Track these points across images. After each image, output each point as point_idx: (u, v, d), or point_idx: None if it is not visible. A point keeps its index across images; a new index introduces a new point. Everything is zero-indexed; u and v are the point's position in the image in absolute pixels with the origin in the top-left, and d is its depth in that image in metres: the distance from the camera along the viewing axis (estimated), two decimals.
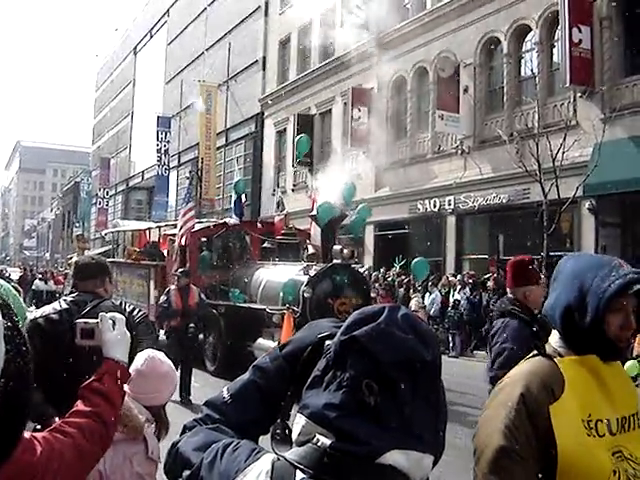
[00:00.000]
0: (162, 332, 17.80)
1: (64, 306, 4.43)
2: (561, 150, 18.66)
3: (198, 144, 43.95)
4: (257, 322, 14.41)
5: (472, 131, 24.74)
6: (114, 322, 2.73)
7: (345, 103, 31.64)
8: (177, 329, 12.87)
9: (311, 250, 15.72)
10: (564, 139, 18.82)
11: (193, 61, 50.22)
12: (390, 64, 29.23)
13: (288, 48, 38.34)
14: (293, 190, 35.50)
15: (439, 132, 25.91)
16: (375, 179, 28.90)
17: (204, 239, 18.30)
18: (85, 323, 2.84)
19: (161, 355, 3.83)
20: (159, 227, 22.95)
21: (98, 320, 2.75)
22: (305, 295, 12.62)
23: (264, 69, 40.42)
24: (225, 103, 43.81)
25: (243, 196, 19.61)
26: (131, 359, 3.70)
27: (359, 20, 30.05)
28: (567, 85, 20.90)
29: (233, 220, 18.46)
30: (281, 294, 13.63)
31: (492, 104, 24.88)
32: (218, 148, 43.81)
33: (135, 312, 4.73)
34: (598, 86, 20.61)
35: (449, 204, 24.82)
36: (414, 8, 28.62)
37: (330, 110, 33.77)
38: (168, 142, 49.78)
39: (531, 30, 23.22)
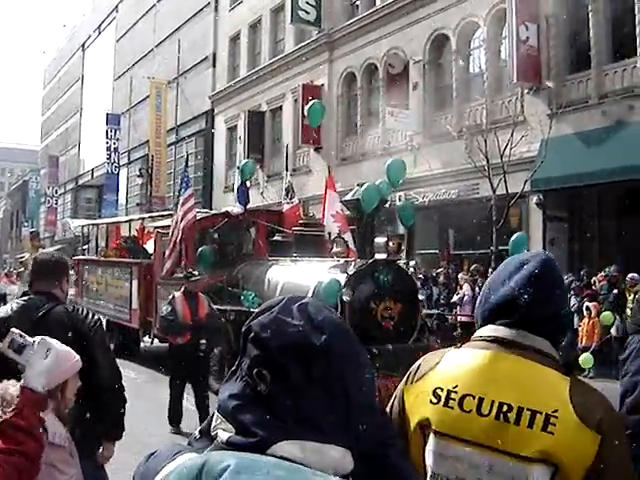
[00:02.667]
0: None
1: (14, 308, 4.20)
2: (509, 146, 18.88)
3: (148, 141, 43.62)
4: None
5: (422, 127, 24.90)
6: (49, 350, 2.65)
7: (296, 100, 31.59)
8: (185, 346, 10.49)
9: (337, 248, 12.95)
10: (512, 135, 19.06)
11: (142, 57, 49.72)
12: (340, 61, 29.36)
13: (238, 44, 38.19)
14: None
15: (389, 128, 26.01)
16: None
17: (201, 232, 15.48)
18: (20, 336, 2.73)
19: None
20: (142, 219, 20.60)
21: (35, 340, 2.67)
22: (345, 298, 10.25)
23: (214, 66, 40.20)
24: (175, 100, 43.47)
25: (247, 182, 16.22)
26: (89, 374, 3.61)
27: (309, 17, 30.08)
28: (514, 82, 21.15)
29: (237, 209, 15.58)
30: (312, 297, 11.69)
31: (441, 100, 25.07)
32: (168, 145, 43.52)
33: (89, 319, 4.34)
34: (545, 83, 20.94)
35: (399, 200, 24.94)
36: (363, 5, 28.73)
37: (281, 107, 33.72)
38: (118, 140, 49.34)
39: (479, 27, 23.45)
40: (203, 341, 10.52)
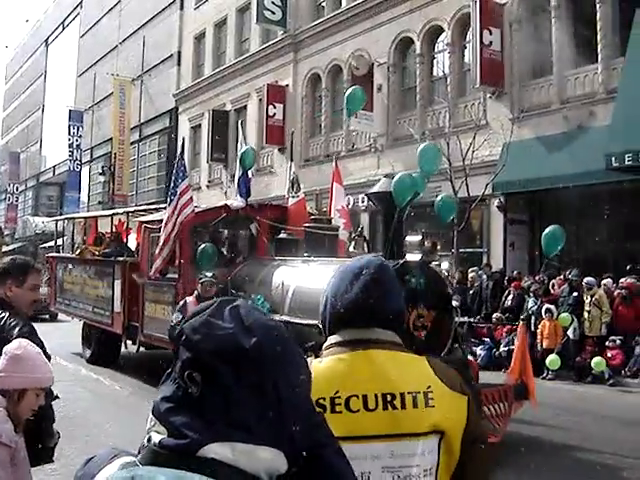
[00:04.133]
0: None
1: None
2: (471, 149, 19.03)
3: (111, 139, 43.29)
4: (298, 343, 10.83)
5: (385, 129, 25.02)
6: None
7: (260, 99, 31.60)
8: None
9: (357, 248, 11.99)
10: (474, 138, 19.21)
11: (107, 54, 49.37)
12: (305, 62, 29.39)
13: (203, 43, 38.07)
14: (208, 187, 35.35)
15: (353, 130, 26.10)
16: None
17: (198, 228, 13.88)
18: None
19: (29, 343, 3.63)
20: (127, 213, 18.14)
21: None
22: None
23: (179, 64, 40.04)
24: (139, 97, 43.23)
25: (250, 172, 15.04)
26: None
27: (274, 17, 30.07)
28: (477, 86, 21.35)
29: (237, 202, 13.98)
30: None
31: (405, 103, 25.21)
32: (132, 143, 43.23)
33: (16, 331, 4.00)
34: (507, 87, 21.14)
35: (362, 202, 25.04)
36: (329, 6, 28.81)
37: (245, 106, 33.67)
38: (80, 137, 48.92)
39: (443, 31, 23.62)
40: None
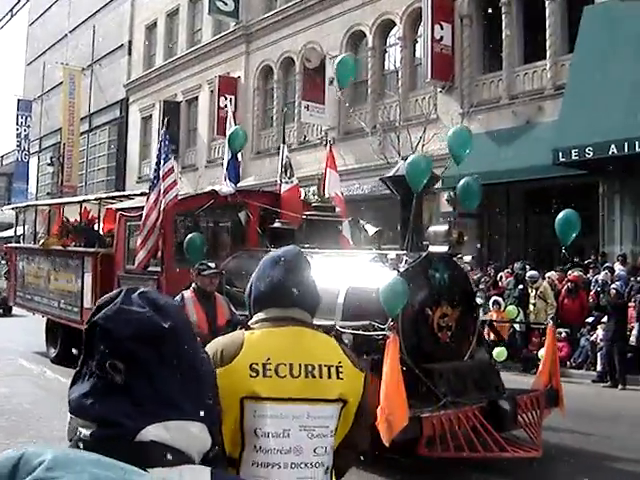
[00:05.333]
0: None
1: None
2: (421, 143, 19.13)
3: (61, 129, 42.70)
4: None
5: (337, 122, 25.06)
6: None
7: (212, 91, 31.44)
8: None
9: (371, 230, 11.12)
10: (424, 132, 19.32)
11: (56, 43, 48.66)
12: (257, 53, 29.30)
13: (155, 33, 37.75)
14: None
15: (305, 122, 26.10)
16: (241, 168, 28.81)
17: (183, 215, 12.43)
18: None
19: None
20: (99, 199, 15.75)
21: None
22: None
23: (130, 54, 39.67)
24: (89, 87, 42.67)
25: (239, 155, 13.81)
26: None
27: (227, 8, 29.91)
28: (428, 80, 21.51)
29: (226, 188, 12.62)
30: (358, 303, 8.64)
31: (356, 96, 25.26)
32: (81, 133, 42.69)
33: None
34: (457, 82, 21.31)
35: (313, 194, 25.03)
36: None
37: (197, 97, 33.50)
38: (29, 127, 48.26)
39: (395, 25, 23.73)
40: None
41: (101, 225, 15.30)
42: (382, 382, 6.99)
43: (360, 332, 7.95)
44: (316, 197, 12.04)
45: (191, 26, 34.70)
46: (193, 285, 8.18)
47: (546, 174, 17.11)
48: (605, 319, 14.32)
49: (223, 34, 31.37)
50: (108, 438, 1.27)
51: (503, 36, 20.42)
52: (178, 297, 8.09)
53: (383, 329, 7.69)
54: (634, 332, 13.90)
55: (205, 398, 1.40)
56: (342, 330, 7.93)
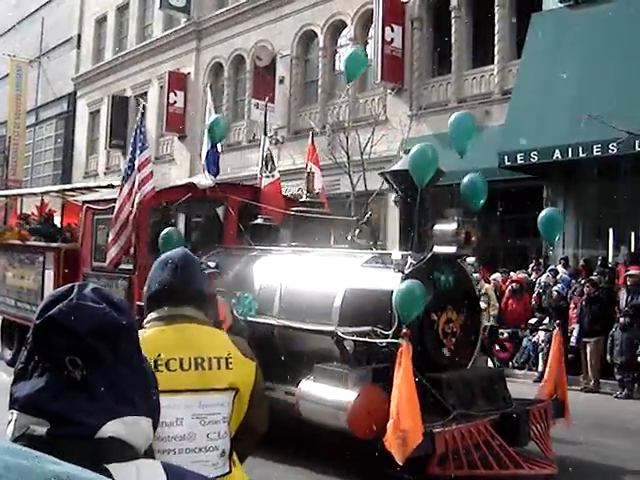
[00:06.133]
0: None
1: None
2: (369, 144, 19.23)
3: (6, 122, 41.94)
4: (298, 353, 8.50)
5: (286, 122, 25.06)
6: None
7: (161, 87, 31.21)
8: None
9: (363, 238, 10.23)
10: (373, 133, 19.43)
11: (3, 34, 47.72)
12: (208, 50, 29.17)
13: (104, 27, 37.29)
14: (105, 173, 34.68)
15: (254, 121, 26.03)
16: (190, 165, 28.71)
17: (159, 209, 11.37)
18: None
19: None
20: (62, 191, 14.98)
21: None
22: None
23: (79, 47, 39.12)
24: (37, 80, 41.97)
25: (219, 145, 13.01)
26: None
27: (178, 3, 29.72)
28: (378, 82, 21.64)
29: (205, 181, 11.70)
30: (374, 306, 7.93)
31: (307, 96, 25.33)
32: (28, 127, 41.98)
33: None
34: (407, 84, 21.47)
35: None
36: None
37: (146, 93, 33.17)
38: None
39: (346, 26, 23.82)
40: None
41: (58, 219, 14.74)
42: (393, 395, 6.60)
43: (367, 339, 7.43)
44: (305, 193, 11.50)
45: (142, 21, 34.37)
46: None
47: (492, 177, 17.27)
48: (547, 320, 14.56)
49: (174, 30, 31.15)
50: (66, 436, 1.25)
51: (452, 40, 20.64)
52: None
53: (387, 336, 7.25)
54: (574, 333, 14.14)
55: (151, 394, 1.45)
56: (344, 336, 7.47)
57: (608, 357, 13.60)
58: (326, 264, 8.96)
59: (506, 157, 16.53)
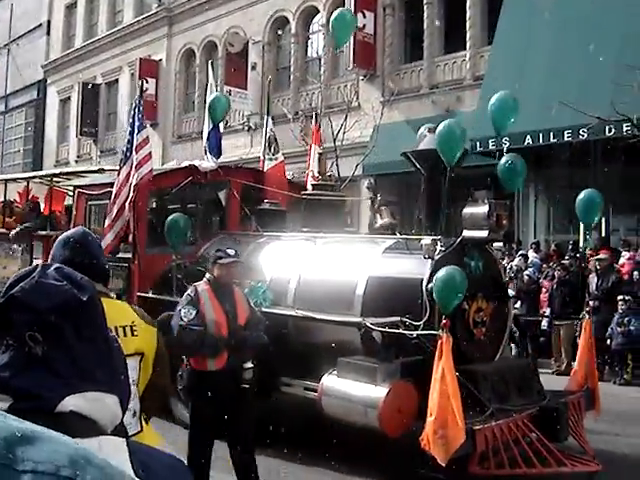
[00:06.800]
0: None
1: None
2: (342, 130, 19.24)
3: None
4: (316, 346, 7.92)
5: (259, 108, 24.98)
6: None
7: (132, 73, 30.98)
8: (220, 375, 6.18)
9: (384, 220, 9.57)
10: (345, 119, 19.42)
11: None
12: (179, 36, 29.00)
13: (74, 13, 36.93)
14: (77, 161, 34.41)
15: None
16: (162, 152, 28.56)
17: (158, 193, 10.92)
18: None
19: None
20: (50, 176, 14.19)
21: None
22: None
23: (48, 34, 38.70)
24: (6, 67, 41.51)
25: (221, 125, 12.34)
26: None
27: None
28: (350, 68, 21.66)
29: (207, 163, 10.98)
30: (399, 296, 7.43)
31: (279, 82, 25.24)
32: None
33: None
34: (379, 70, 21.50)
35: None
36: None
37: (117, 80, 32.95)
38: None
39: (319, 12, 23.75)
40: (249, 365, 6.29)
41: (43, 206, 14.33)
42: (432, 390, 6.14)
43: (400, 330, 6.88)
44: (317, 175, 10.99)
45: (112, 7, 34.06)
46: (207, 276, 6.56)
47: (464, 163, 17.40)
48: (518, 305, 14.68)
49: (145, 15, 30.90)
50: (27, 410, 1.24)
51: (424, 26, 20.69)
52: (190, 290, 6.49)
53: (416, 327, 6.82)
54: (545, 317, 14.30)
55: (117, 371, 1.45)
56: (373, 327, 6.93)
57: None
58: (344, 250, 8.45)
59: (478, 143, 16.60)
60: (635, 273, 13.78)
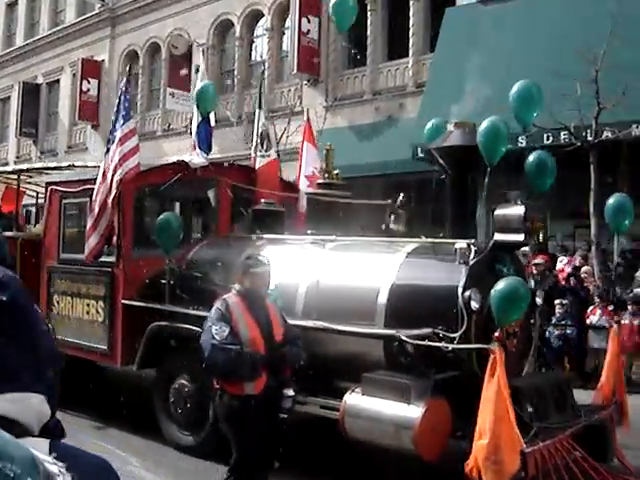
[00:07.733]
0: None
1: None
2: (285, 134, 19.27)
3: None
4: (332, 360, 7.18)
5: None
6: None
7: (74, 74, 30.62)
8: (258, 398, 5.56)
9: (398, 226, 8.38)
10: (288, 124, 19.47)
11: None
12: (123, 37, 28.76)
13: (16, 11, 36.36)
14: (15, 162, 33.85)
15: (169, 110, 25.83)
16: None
17: (144, 191, 9.65)
18: None
19: None
20: (18, 172, 13.07)
21: None
22: (473, 305, 6.33)
23: None
24: None
25: (212, 117, 11.86)
26: None
27: None
28: (294, 72, 21.71)
29: (197, 159, 10.03)
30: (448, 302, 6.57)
31: (223, 85, 25.16)
32: None
33: None
34: (323, 76, 21.61)
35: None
36: None
37: (58, 80, 32.53)
38: None
39: (263, 16, 23.80)
40: (290, 393, 5.69)
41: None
42: (482, 409, 5.59)
43: (442, 344, 6.19)
44: (322, 173, 10.35)
45: (54, 6, 33.62)
46: (237, 287, 5.84)
47: (406, 169, 17.59)
48: None
49: (88, 15, 30.56)
50: None
51: (368, 33, 20.85)
52: (220, 304, 5.72)
53: (452, 339, 6.18)
54: None
55: (45, 370, 1.41)
56: (407, 340, 6.25)
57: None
58: (361, 255, 7.71)
59: (419, 149, 16.76)
60: (571, 278, 14.03)
